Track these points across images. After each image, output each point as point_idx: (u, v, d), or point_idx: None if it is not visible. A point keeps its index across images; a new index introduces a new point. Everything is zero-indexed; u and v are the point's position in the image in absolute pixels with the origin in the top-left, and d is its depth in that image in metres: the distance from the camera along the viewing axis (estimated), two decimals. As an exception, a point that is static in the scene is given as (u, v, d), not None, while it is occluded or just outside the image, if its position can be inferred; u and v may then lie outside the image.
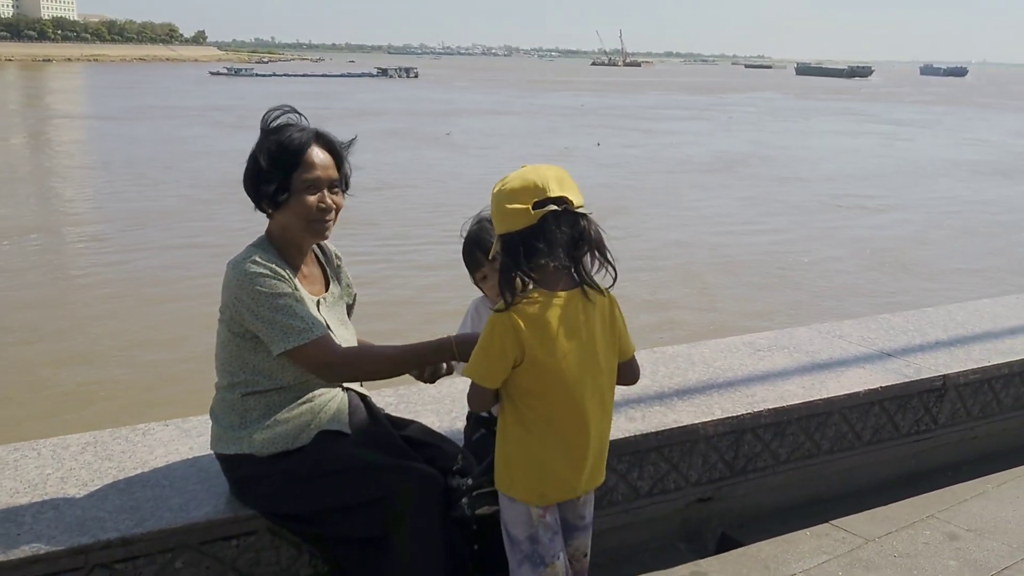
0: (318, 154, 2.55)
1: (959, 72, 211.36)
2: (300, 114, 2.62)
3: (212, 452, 2.65)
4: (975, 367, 4.11)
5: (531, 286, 2.14)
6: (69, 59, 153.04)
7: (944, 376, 3.99)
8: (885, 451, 3.92)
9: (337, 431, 2.57)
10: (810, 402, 3.61)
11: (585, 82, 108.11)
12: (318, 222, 2.56)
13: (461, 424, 2.95)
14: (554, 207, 2.09)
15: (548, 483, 2.24)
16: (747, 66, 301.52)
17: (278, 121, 2.58)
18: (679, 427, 3.28)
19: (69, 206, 19.30)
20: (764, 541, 3.38)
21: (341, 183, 2.62)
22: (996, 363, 4.18)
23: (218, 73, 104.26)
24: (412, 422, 2.81)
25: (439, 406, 3.30)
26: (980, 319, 4.86)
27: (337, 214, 2.62)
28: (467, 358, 2.40)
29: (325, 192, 2.55)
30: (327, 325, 2.62)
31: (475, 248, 2.56)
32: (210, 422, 2.65)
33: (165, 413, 3.74)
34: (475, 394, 2.22)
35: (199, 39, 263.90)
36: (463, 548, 2.46)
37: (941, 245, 16.77)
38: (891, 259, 15.22)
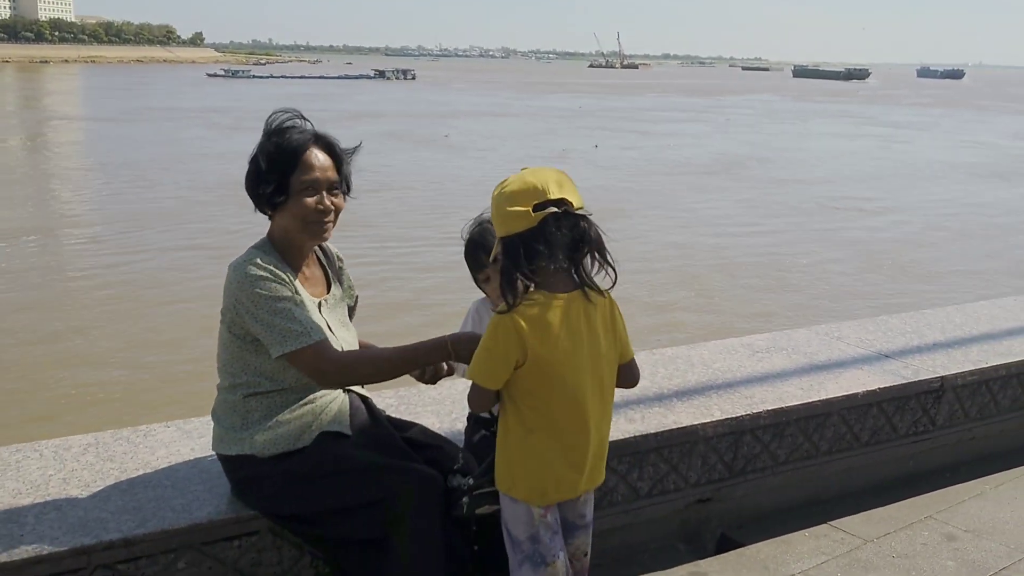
0: (317, 156, 2.55)
1: (956, 74, 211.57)
2: (305, 119, 2.63)
3: (214, 453, 2.66)
4: (973, 368, 4.12)
5: (532, 288, 2.15)
6: (66, 60, 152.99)
7: (942, 377, 4.01)
8: (883, 452, 3.94)
9: (338, 432, 2.57)
10: (808, 403, 3.62)
11: (583, 84, 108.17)
12: (316, 224, 2.56)
13: (461, 425, 2.96)
14: (554, 209, 2.10)
15: (549, 483, 2.25)
16: (744, 68, 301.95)
17: (281, 123, 2.58)
18: (678, 428, 3.29)
19: (67, 208, 19.29)
20: (763, 542, 3.38)
21: (341, 185, 2.62)
22: (994, 364, 4.19)
23: (215, 75, 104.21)
24: (413, 424, 2.82)
25: (439, 407, 3.30)
26: (978, 321, 4.87)
27: (337, 216, 2.63)
28: (463, 357, 2.42)
29: (324, 194, 2.55)
30: (328, 327, 2.64)
31: (478, 250, 2.57)
32: (211, 423, 2.66)
33: (165, 415, 3.76)
34: (476, 395, 2.23)
35: (196, 41, 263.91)
36: (463, 549, 2.47)
37: (939, 247, 16.80)
38: (889, 261, 15.25)
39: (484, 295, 2.76)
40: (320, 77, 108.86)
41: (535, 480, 2.24)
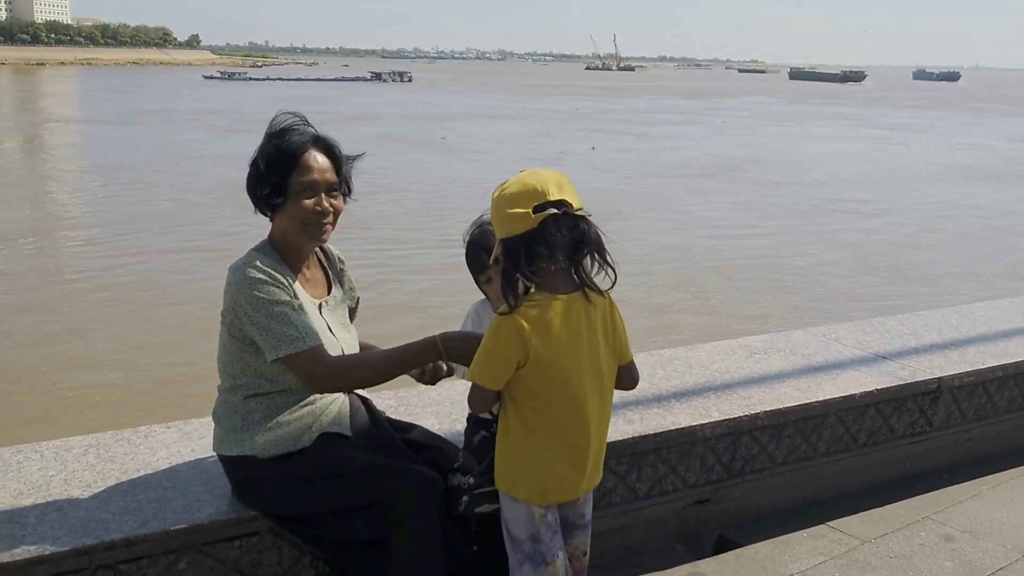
0: (316, 158, 2.56)
1: (952, 77, 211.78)
2: (308, 122, 2.64)
3: (214, 454, 2.67)
4: (969, 370, 4.14)
5: (532, 289, 2.16)
6: (63, 63, 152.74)
7: (939, 379, 4.03)
8: (881, 453, 3.95)
9: (338, 433, 2.58)
10: (806, 404, 3.63)
11: (579, 86, 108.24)
12: (315, 225, 2.57)
13: (461, 426, 2.97)
14: (554, 210, 2.11)
15: (551, 483, 2.26)
16: (741, 70, 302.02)
17: (282, 125, 2.59)
18: (677, 429, 3.30)
19: (63, 210, 19.29)
20: (761, 542, 3.39)
21: (341, 187, 2.63)
22: (990, 366, 4.21)
23: (212, 77, 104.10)
24: (414, 426, 2.82)
25: (439, 408, 3.31)
26: (974, 322, 4.89)
27: (337, 218, 2.64)
28: (454, 356, 2.44)
29: (323, 196, 2.56)
30: (329, 328, 2.65)
31: (479, 251, 2.58)
32: (211, 424, 2.67)
33: (163, 417, 3.77)
34: (476, 395, 2.24)
35: (193, 43, 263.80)
36: (463, 549, 2.48)
37: (935, 250, 16.84)
38: (885, 263, 15.28)
39: (484, 297, 2.77)
40: (316, 79, 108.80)
41: (537, 480, 2.25)
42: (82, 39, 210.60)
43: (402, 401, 3.37)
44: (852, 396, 3.76)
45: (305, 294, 2.62)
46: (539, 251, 2.10)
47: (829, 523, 3.54)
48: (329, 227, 2.61)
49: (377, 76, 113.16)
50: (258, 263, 2.49)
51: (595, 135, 39.28)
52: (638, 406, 3.43)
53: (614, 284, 2.23)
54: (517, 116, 52.01)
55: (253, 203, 2.62)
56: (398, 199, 19.73)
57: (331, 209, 2.59)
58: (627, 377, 2.37)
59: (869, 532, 3.46)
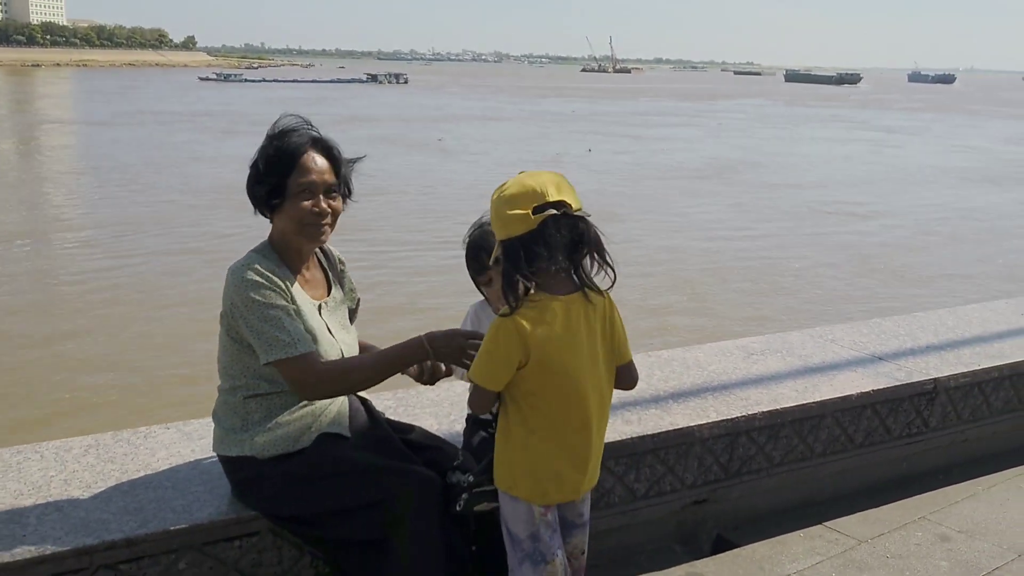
0: (314, 159, 2.57)
1: (947, 79, 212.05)
2: (310, 124, 2.65)
3: (214, 454, 2.68)
4: (965, 371, 4.16)
5: (533, 290, 2.17)
6: (58, 64, 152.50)
7: (935, 380, 4.04)
8: (877, 454, 3.97)
9: (337, 434, 2.59)
10: (803, 405, 3.65)
11: (575, 88, 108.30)
12: (313, 226, 2.58)
13: (460, 427, 2.98)
14: (553, 211, 2.12)
15: (551, 483, 2.27)
16: (736, 73, 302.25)
17: (283, 127, 2.60)
18: (675, 429, 3.31)
19: (59, 211, 19.26)
20: (758, 543, 3.41)
21: (339, 188, 2.64)
22: (986, 367, 4.23)
23: (207, 79, 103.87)
24: (413, 426, 2.83)
25: (438, 409, 3.32)
26: (970, 324, 4.91)
27: (335, 219, 2.65)
28: (441, 354, 2.45)
29: (321, 197, 2.57)
30: (328, 329, 2.65)
31: (480, 252, 2.59)
32: (211, 425, 2.68)
33: (160, 418, 3.77)
34: (477, 396, 2.25)
35: (189, 44, 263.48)
36: (463, 549, 2.49)
37: (930, 251, 16.88)
38: (881, 265, 15.32)
39: (482, 298, 2.77)
40: (312, 81, 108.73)
41: (537, 480, 2.26)
42: (78, 40, 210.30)
43: (401, 402, 3.38)
44: (849, 397, 3.77)
45: (305, 295, 2.63)
46: (539, 252, 2.11)
47: (826, 523, 3.56)
48: (327, 228, 2.62)
49: (373, 78, 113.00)
50: (257, 266, 2.50)
51: (591, 137, 39.31)
52: (636, 407, 3.44)
53: (613, 284, 2.24)
54: (513, 118, 52.03)
55: (252, 204, 2.63)
56: (395, 201, 19.73)
57: (329, 210, 2.59)
58: (626, 377, 2.38)
59: (866, 532, 3.48)
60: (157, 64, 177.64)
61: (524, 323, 2.13)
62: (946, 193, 24.83)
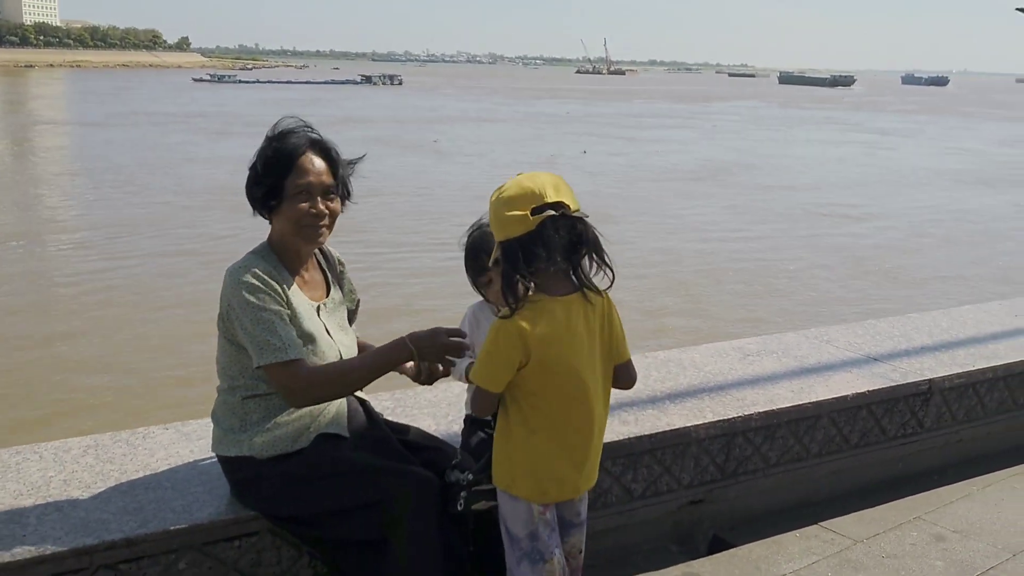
0: (312, 160, 2.58)
1: (940, 81, 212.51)
2: (310, 127, 2.66)
3: (212, 455, 2.69)
4: (960, 371, 4.19)
5: (532, 290, 2.19)
6: (51, 65, 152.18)
7: (930, 380, 4.07)
8: (872, 454, 3.99)
9: (336, 434, 2.60)
10: (799, 405, 3.67)
11: (570, 90, 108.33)
12: (310, 228, 2.58)
13: (458, 427, 2.99)
14: (552, 212, 2.14)
15: (551, 482, 2.29)
16: (731, 75, 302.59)
17: (282, 129, 2.61)
18: (671, 430, 3.33)
19: (53, 213, 19.21)
20: (754, 543, 3.42)
21: (337, 190, 2.65)
22: (980, 367, 4.26)
23: (201, 80, 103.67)
24: (409, 427, 2.84)
25: (435, 410, 3.33)
26: (964, 325, 4.94)
27: (333, 220, 2.65)
28: (424, 353, 2.47)
29: (318, 199, 2.58)
30: (327, 330, 2.66)
31: (480, 253, 2.59)
32: (209, 425, 2.69)
33: (158, 420, 3.77)
34: (480, 398, 2.27)
35: (183, 45, 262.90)
36: (461, 549, 2.50)
37: (924, 253, 16.91)
38: (875, 267, 15.35)
39: (480, 299, 2.78)
40: (307, 82, 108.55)
41: (537, 479, 2.28)
42: (71, 41, 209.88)
43: (399, 402, 3.39)
44: (844, 398, 3.79)
45: (303, 297, 2.64)
46: (538, 252, 2.13)
47: (822, 523, 3.58)
48: (325, 230, 2.63)
49: (367, 79, 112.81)
50: (254, 268, 2.51)
51: (586, 139, 39.33)
52: (633, 407, 3.46)
53: (612, 284, 2.25)
54: (508, 119, 52.04)
55: (251, 205, 2.64)
56: (390, 202, 19.71)
57: (326, 212, 2.60)
58: (625, 376, 2.40)
59: (861, 532, 3.49)
60: (151, 65, 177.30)
61: (524, 324, 2.15)
62: (940, 195, 24.88)
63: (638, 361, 3.94)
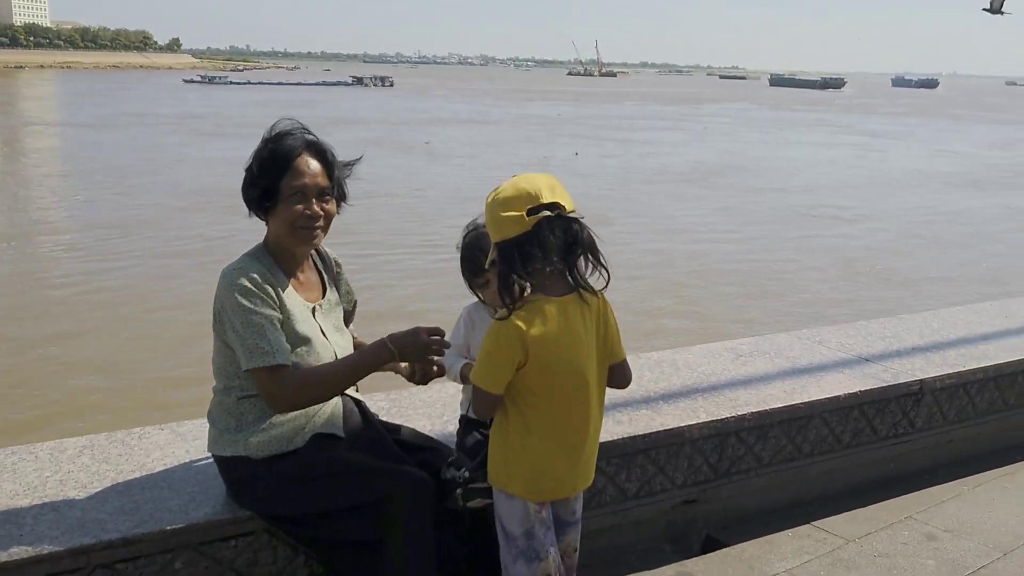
0: (308, 162, 2.59)
1: (930, 84, 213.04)
2: (306, 128, 2.66)
3: (208, 455, 2.69)
4: (951, 372, 4.21)
5: (529, 291, 2.20)
6: (41, 66, 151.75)
7: (921, 381, 4.09)
8: (864, 454, 4.01)
9: (331, 434, 2.61)
10: (791, 406, 3.69)
11: (561, 92, 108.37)
12: (305, 229, 2.59)
13: (453, 427, 2.99)
14: (547, 213, 2.15)
15: (548, 481, 2.30)
16: (722, 77, 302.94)
17: (279, 130, 2.62)
18: (665, 430, 3.35)
19: (43, 214, 19.14)
20: (747, 542, 3.45)
21: (333, 191, 2.65)
22: (971, 368, 4.28)
23: (191, 81, 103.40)
24: (400, 427, 2.85)
25: (430, 410, 3.34)
26: (955, 326, 4.97)
27: (329, 222, 2.66)
28: (405, 353, 2.49)
29: (313, 200, 2.58)
30: (322, 331, 2.67)
31: (477, 254, 2.60)
32: (205, 425, 2.70)
33: (151, 421, 3.76)
34: (481, 400, 2.28)
35: (173, 47, 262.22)
36: (456, 549, 2.51)
37: (915, 255, 16.98)
38: (866, 268, 15.41)
39: (475, 300, 2.79)
40: (298, 84, 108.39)
41: (533, 478, 2.29)
42: (61, 42, 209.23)
43: (394, 403, 3.40)
44: (836, 398, 3.82)
45: (298, 298, 2.65)
46: (534, 253, 2.14)
47: (814, 523, 3.60)
48: (320, 232, 2.64)
49: (359, 81, 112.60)
50: (249, 271, 2.52)
51: (578, 141, 39.37)
52: (627, 407, 3.47)
53: (607, 284, 2.27)
54: (500, 121, 52.06)
55: (247, 206, 2.64)
56: (383, 204, 19.68)
57: (321, 213, 2.61)
58: (620, 375, 2.42)
59: (853, 532, 3.52)
60: (142, 66, 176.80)
61: (522, 324, 2.16)
62: (930, 197, 24.98)
63: (631, 361, 3.95)
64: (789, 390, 3.81)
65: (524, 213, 2.14)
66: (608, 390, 2.42)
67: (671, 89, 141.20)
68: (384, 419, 2.89)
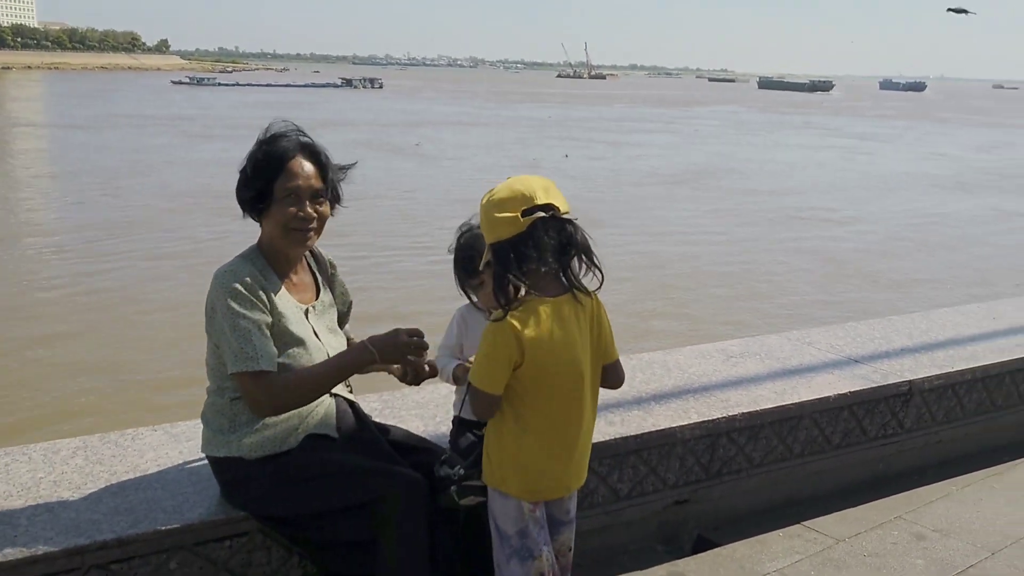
0: (302, 164, 2.59)
1: (918, 87, 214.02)
2: (301, 131, 2.67)
3: (202, 456, 2.69)
4: (939, 373, 4.24)
5: (523, 292, 2.21)
6: (29, 67, 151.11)
7: (910, 382, 4.12)
8: (854, 454, 4.03)
9: (324, 435, 2.62)
10: (782, 406, 3.71)
11: (551, 94, 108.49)
12: (298, 231, 2.60)
13: (446, 428, 3.00)
14: (542, 214, 2.17)
15: (542, 481, 2.32)
16: (711, 79, 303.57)
17: (273, 132, 2.62)
18: (657, 431, 3.36)
19: (31, 215, 19.09)
20: (739, 542, 3.46)
21: (326, 193, 2.66)
22: (959, 369, 4.31)
23: (180, 82, 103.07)
24: (399, 429, 2.86)
25: (423, 411, 3.35)
26: (943, 327, 5.00)
27: (322, 224, 2.67)
28: (386, 355, 2.51)
29: (307, 202, 2.59)
30: (315, 332, 2.67)
31: (472, 254, 2.60)
32: (198, 426, 2.70)
33: (145, 421, 3.76)
34: (481, 401, 2.28)
35: (162, 48, 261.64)
36: (450, 550, 2.51)
37: (903, 257, 17.07)
38: (854, 270, 15.48)
39: (467, 302, 2.79)
40: (287, 85, 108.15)
41: (527, 477, 2.30)
42: (49, 43, 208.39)
43: (387, 404, 3.41)
44: (826, 398, 3.84)
45: (291, 300, 2.65)
46: (528, 254, 2.16)
47: (804, 523, 3.61)
48: (313, 234, 2.64)
49: (348, 82, 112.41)
50: (241, 275, 2.52)
51: (568, 143, 39.42)
52: (619, 408, 3.49)
53: (601, 285, 2.29)
54: (490, 123, 52.08)
55: (241, 208, 2.64)
56: (373, 206, 19.67)
57: (314, 215, 2.61)
58: (613, 376, 2.43)
59: (843, 531, 3.53)
60: (130, 67, 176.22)
61: (517, 324, 2.18)
62: (918, 200, 25.11)
63: (623, 363, 3.98)
64: (779, 391, 3.84)
65: (519, 214, 2.16)
66: (600, 391, 2.43)
67: (660, 91, 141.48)
68: (377, 420, 2.89)
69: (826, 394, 3.85)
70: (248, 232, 2.71)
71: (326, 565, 2.61)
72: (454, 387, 2.70)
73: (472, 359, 2.39)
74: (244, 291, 2.48)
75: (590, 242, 2.25)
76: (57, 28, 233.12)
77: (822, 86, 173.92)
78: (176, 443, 2.98)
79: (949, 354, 4.50)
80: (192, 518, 2.50)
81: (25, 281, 13.26)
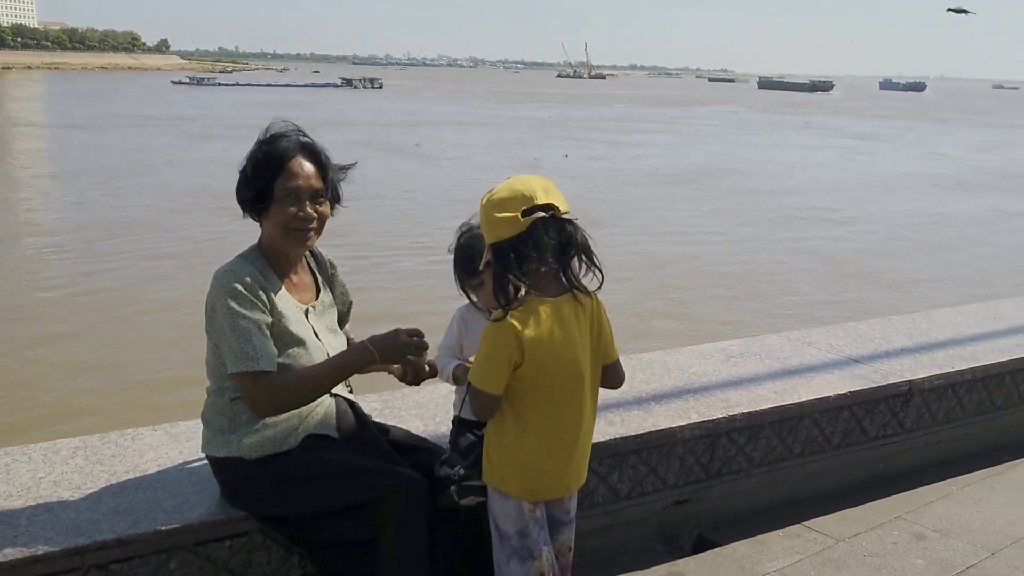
0: (302, 164, 2.59)
1: (918, 87, 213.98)
2: (301, 131, 2.67)
3: (202, 456, 2.69)
4: (939, 373, 4.24)
5: (522, 291, 2.21)
6: (29, 67, 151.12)
7: (910, 382, 4.12)
8: (854, 454, 4.03)
9: (324, 435, 2.62)
10: (782, 406, 3.71)
11: (551, 94, 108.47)
12: (298, 231, 2.60)
13: (446, 428, 3.00)
14: (542, 214, 2.17)
15: (543, 480, 2.32)
16: (711, 79, 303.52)
17: (273, 132, 2.62)
18: (657, 431, 3.36)
19: (31, 215, 19.08)
20: (739, 542, 3.46)
21: (326, 193, 2.66)
22: (959, 369, 4.31)
23: (180, 82, 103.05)
24: (399, 429, 2.86)
25: (423, 411, 3.35)
26: (943, 327, 5.00)
27: (322, 224, 2.67)
28: (385, 355, 2.51)
29: (307, 202, 2.59)
30: (315, 332, 2.67)
31: (473, 254, 2.60)
32: (198, 426, 2.70)
33: (145, 422, 3.76)
34: (482, 401, 2.28)
35: (162, 48, 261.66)
36: (449, 550, 2.51)
37: (903, 257, 17.07)
38: (854, 270, 15.48)
39: (467, 302, 2.79)
40: (287, 85, 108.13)
41: (527, 477, 2.30)
42: (49, 43, 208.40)
43: (387, 404, 3.41)
44: (826, 398, 3.84)
45: (291, 300, 2.65)
46: (528, 254, 2.16)
47: (804, 523, 3.61)
48: (313, 234, 2.64)
49: (348, 82, 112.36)
50: (241, 274, 2.52)
51: (568, 143, 39.42)
52: (619, 408, 3.49)
53: (601, 285, 2.29)
54: (490, 123, 52.08)
55: (241, 208, 2.64)
56: (373, 206, 19.67)
57: (314, 215, 2.61)
58: (613, 376, 2.43)
59: (843, 531, 3.54)
60: (130, 68, 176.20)
61: (517, 324, 2.18)
62: (918, 200, 25.11)
63: (623, 363, 3.97)
64: (779, 391, 3.84)
65: (519, 214, 2.16)
66: (600, 391, 2.44)
67: (660, 91, 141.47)
68: (377, 420, 2.89)
69: (826, 394, 3.85)
70: (248, 232, 2.71)
71: (326, 565, 2.61)
72: (454, 387, 2.70)
73: (472, 359, 2.39)
74: (244, 291, 2.48)
75: (590, 242, 2.25)
76: (57, 28, 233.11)
77: (822, 86, 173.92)
78: (176, 443, 2.98)
79: (949, 354, 4.50)
80: (192, 518, 2.50)
81: (25, 281, 13.25)
